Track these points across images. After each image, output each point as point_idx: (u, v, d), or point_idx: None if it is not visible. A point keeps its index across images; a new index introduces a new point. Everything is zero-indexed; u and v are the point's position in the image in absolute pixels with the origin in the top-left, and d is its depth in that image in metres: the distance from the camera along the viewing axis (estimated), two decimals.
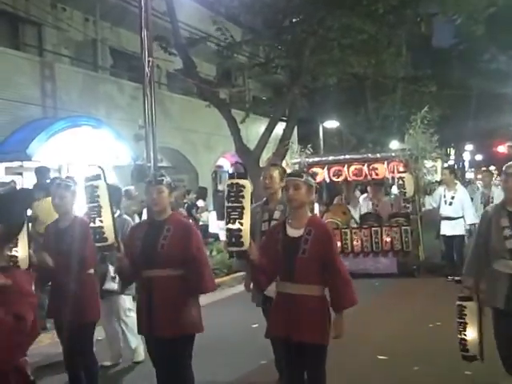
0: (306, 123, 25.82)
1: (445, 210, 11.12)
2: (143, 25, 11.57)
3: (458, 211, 11.01)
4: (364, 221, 12.47)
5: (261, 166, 14.44)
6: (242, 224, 3.76)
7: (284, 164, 11.57)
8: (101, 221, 4.34)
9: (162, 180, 4.62)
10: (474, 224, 10.07)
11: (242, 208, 3.79)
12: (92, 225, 4.37)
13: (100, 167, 4.57)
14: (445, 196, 11.13)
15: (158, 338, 4.50)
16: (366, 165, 12.46)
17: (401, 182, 11.71)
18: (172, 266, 4.47)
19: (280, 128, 16.65)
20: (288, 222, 4.26)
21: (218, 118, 16.61)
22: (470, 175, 47.03)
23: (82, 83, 15.46)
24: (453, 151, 45.58)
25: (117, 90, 16.77)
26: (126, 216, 6.58)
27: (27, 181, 11.77)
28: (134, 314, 5.59)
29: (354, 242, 12.10)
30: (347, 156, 13.29)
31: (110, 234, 4.35)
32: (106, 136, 14.32)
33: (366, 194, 13.64)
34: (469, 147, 48.43)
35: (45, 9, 15.29)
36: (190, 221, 9.26)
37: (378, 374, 6.12)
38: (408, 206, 12.31)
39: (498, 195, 10.98)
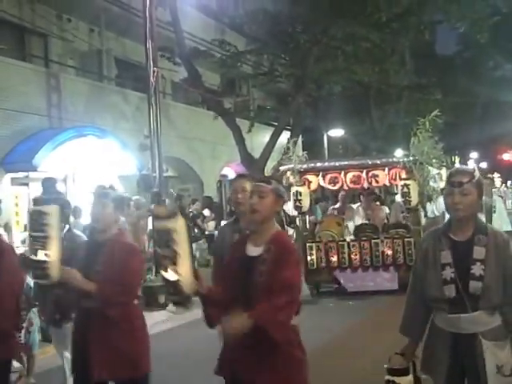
0: (310, 132, 25.86)
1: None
2: (148, 35, 11.64)
3: None
4: (360, 232, 11.40)
5: (266, 175, 14.45)
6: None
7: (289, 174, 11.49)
8: (46, 254, 3.60)
9: (108, 194, 4.03)
10: None
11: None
12: (33, 257, 3.63)
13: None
14: None
15: (96, 382, 3.84)
16: (364, 171, 11.35)
17: (405, 189, 10.76)
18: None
19: (285, 137, 16.67)
20: (249, 239, 3.53)
21: (223, 128, 16.65)
22: None
23: (87, 93, 15.53)
24: (458, 159, 45.53)
25: (122, 100, 16.83)
26: (77, 231, 5.69)
27: (33, 191, 11.80)
28: None
29: (352, 256, 11.05)
30: (344, 162, 12.14)
31: (54, 270, 3.61)
32: (112, 146, 14.36)
33: (359, 203, 12.70)
34: (474, 155, 48.30)
35: (50, 20, 15.38)
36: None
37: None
38: (407, 216, 11.70)
39: (499, 205, 10.83)
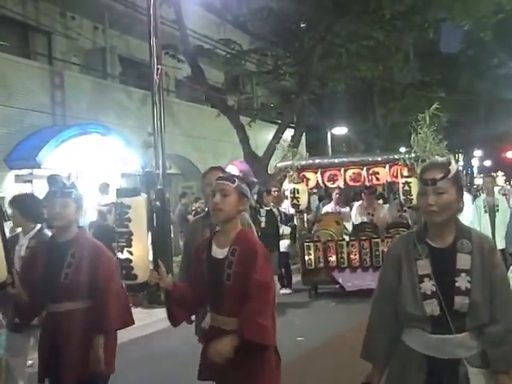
0: (314, 130, 25.86)
1: None
2: (152, 33, 11.62)
3: None
4: (360, 231, 11.00)
5: (269, 172, 14.47)
6: (131, 253, 3.17)
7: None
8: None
9: (71, 192, 3.86)
10: None
11: (130, 234, 3.19)
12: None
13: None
14: None
15: None
16: (365, 169, 10.96)
17: (406, 187, 10.21)
18: (80, 298, 3.79)
19: (288, 135, 16.67)
20: (214, 239, 3.40)
21: (227, 125, 16.66)
22: (478, 181, 46.89)
23: (91, 91, 15.54)
24: (461, 157, 45.47)
25: (125, 97, 16.84)
26: (48, 231, 5.13)
27: (37, 188, 11.82)
28: None
29: (352, 256, 10.68)
30: (344, 159, 11.73)
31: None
32: (115, 143, 14.39)
33: (360, 202, 11.96)
34: (477, 153, 48.26)
35: (54, 17, 15.40)
36: None
37: None
38: (404, 214, 11.39)
39: (502, 204, 10.47)
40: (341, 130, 27.53)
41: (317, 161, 11.70)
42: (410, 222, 10.92)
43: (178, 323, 3.45)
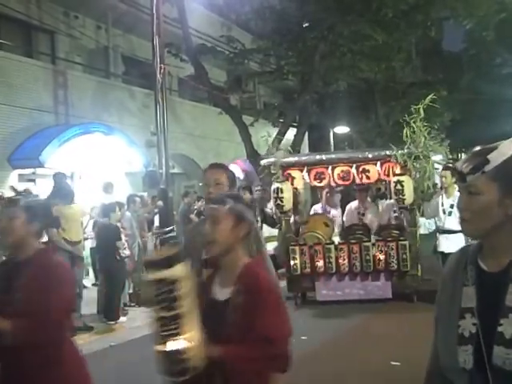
0: (316, 129, 25.86)
1: (443, 222, 8.80)
2: (155, 32, 11.66)
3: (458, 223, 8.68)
4: (350, 234, 10.18)
5: None
6: (186, 341, 2.35)
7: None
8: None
9: (17, 201, 3.23)
10: None
11: (180, 316, 2.35)
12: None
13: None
14: (443, 204, 8.77)
15: None
16: (354, 166, 10.02)
17: (399, 186, 9.39)
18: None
19: (291, 134, 16.68)
20: (216, 276, 2.76)
21: (229, 125, 16.68)
22: None
23: (94, 90, 15.58)
24: (464, 156, 45.46)
25: (128, 96, 16.88)
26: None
27: (40, 187, 11.86)
28: None
29: (340, 261, 9.76)
30: (332, 155, 10.87)
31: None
32: (118, 142, 14.42)
33: (356, 203, 10.97)
34: None
35: (57, 17, 15.43)
36: None
37: None
38: (398, 216, 10.47)
39: None
40: (343, 129, 27.53)
41: (303, 158, 10.92)
42: (405, 223, 10.16)
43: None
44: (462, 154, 43.83)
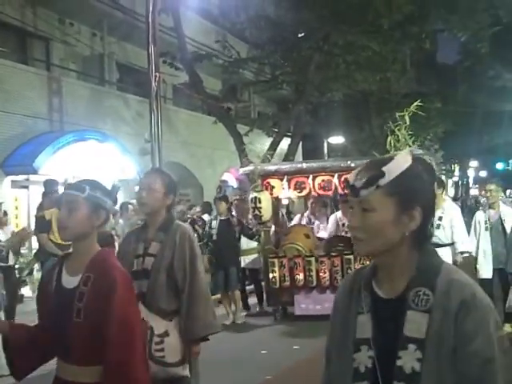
0: (310, 139, 25.90)
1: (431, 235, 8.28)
2: (150, 40, 11.67)
3: (447, 236, 8.19)
4: (332, 246, 9.75)
5: None
6: None
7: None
8: None
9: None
10: (469, 252, 8.29)
11: None
12: None
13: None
14: None
15: None
16: (336, 176, 9.50)
17: None
18: None
19: (285, 143, 16.70)
20: (65, 264, 2.70)
21: (223, 133, 16.68)
22: (474, 191, 47.07)
23: (88, 97, 15.56)
24: (457, 167, 45.58)
25: (123, 104, 16.87)
26: None
27: (33, 194, 11.82)
28: None
29: (321, 274, 9.40)
30: (313, 164, 10.33)
31: None
32: (112, 150, 14.40)
33: (340, 213, 10.43)
34: (473, 163, 48.39)
35: (53, 24, 15.42)
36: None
37: None
38: None
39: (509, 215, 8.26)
40: (337, 140, 27.59)
41: (283, 167, 10.36)
42: None
43: (22, 376, 2.69)
44: (455, 165, 44.05)
